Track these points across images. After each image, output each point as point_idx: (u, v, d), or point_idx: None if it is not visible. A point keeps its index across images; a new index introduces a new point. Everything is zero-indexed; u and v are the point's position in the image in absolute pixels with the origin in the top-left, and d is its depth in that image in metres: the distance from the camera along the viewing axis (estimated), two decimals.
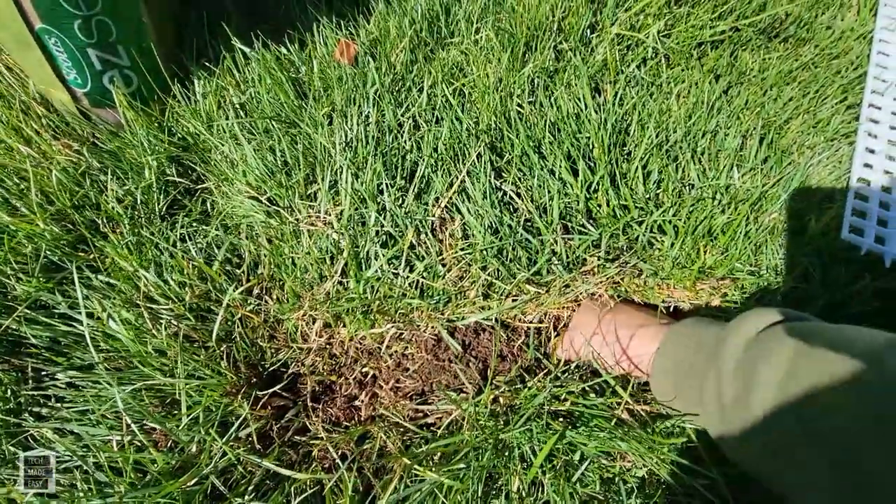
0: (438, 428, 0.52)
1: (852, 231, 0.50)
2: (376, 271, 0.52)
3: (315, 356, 0.55)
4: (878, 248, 0.49)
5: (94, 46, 0.53)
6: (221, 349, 0.52)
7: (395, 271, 0.52)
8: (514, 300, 0.54)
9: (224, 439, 0.46)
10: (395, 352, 0.56)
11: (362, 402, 0.55)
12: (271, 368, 0.55)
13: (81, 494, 0.44)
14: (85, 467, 0.45)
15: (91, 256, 0.55)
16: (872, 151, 0.55)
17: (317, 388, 0.55)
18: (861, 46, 0.64)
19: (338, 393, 0.55)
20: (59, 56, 0.53)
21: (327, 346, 0.56)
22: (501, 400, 0.50)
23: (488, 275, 0.53)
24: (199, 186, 0.61)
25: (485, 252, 0.52)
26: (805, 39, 0.64)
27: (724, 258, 0.51)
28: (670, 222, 0.54)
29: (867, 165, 0.54)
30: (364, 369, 0.56)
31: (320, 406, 0.54)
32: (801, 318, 0.37)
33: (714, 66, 0.62)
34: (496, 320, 0.55)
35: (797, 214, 0.53)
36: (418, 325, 0.54)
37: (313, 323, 0.55)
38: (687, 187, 0.56)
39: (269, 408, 0.52)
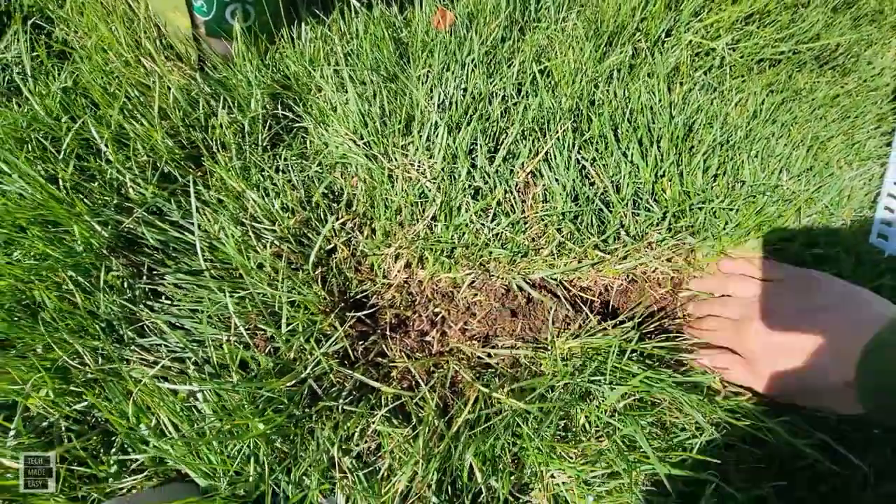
0: (503, 369, 0.58)
1: (879, 237, 0.59)
2: (465, 220, 0.58)
3: (395, 291, 0.60)
4: None
5: None
6: (316, 273, 0.57)
7: (482, 222, 0.58)
8: (579, 262, 0.60)
9: (321, 350, 0.51)
10: (465, 297, 0.61)
11: (433, 337, 0.60)
12: (355, 297, 0.60)
13: (193, 380, 0.48)
14: (195, 358, 0.50)
15: (199, 174, 0.59)
16: None
17: (393, 321, 0.60)
18: None
19: (411, 327, 0.61)
20: None
21: (406, 284, 0.61)
22: (569, 347, 0.56)
23: (563, 236, 0.59)
24: (297, 125, 0.65)
25: (563, 215, 0.59)
26: (850, 70, 0.72)
27: (770, 247, 0.58)
28: (724, 210, 0.61)
29: None
30: (436, 309, 0.61)
31: (397, 336, 0.59)
32: None
33: (771, 82, 0.69)
34: (558, 281, 0.62)
35: (833, 218, 0.61)
36: (492, 275, 0.60)
37: (396, 261, 0.60)
38: (739, 184, 0.63)
39: (354, 331, 0.57)
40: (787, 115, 0.67)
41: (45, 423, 0.44)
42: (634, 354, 0.53)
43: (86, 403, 0.45)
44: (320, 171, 0.61)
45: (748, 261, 0.57)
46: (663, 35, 0.71)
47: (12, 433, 0.42)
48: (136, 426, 0.46)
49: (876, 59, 0.74)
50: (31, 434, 0.43)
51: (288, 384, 0.50)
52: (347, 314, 0.56)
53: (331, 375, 0.53)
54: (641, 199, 0.61)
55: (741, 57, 0.70)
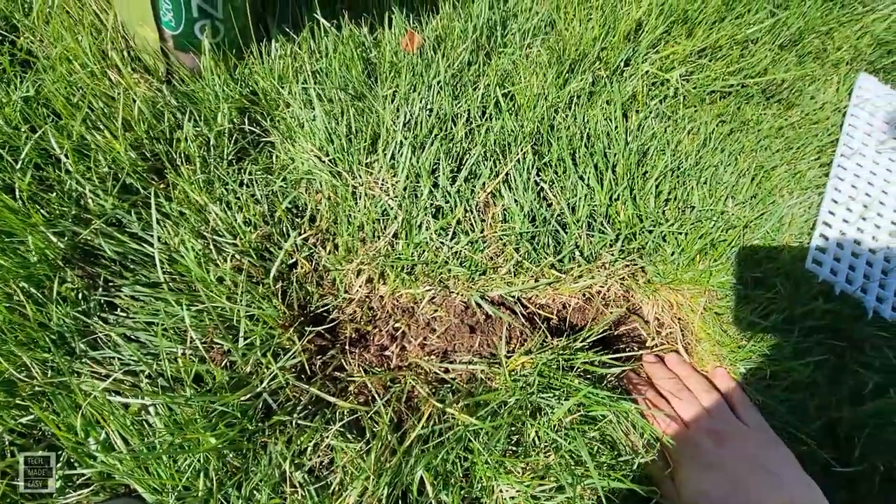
0: (459, 384, 0.59)
1: (814, 263, 0.62)
2: (426, 238, 0.59)
3: (356, 306, 0.61)
4: (831, 279, 0.62)
5: None
6: (276, 287, 0.57)
7: (442, 241, 0.60)
8: (536, 281, 0.63)
9: (278, 364, 0.52)
10: (425, 313, 0.63)
11: (392, 352, 0.61)
12: (316, 311, 0.60)
13: (145, 394, 0.48)
14: (148, 371, 0.50)
15: (161, 186, 0.59)
16: (836, 202, 0.67)
17: (353, 335, 0.61)
18: (836, 117, 0.77)
19: (371, 342, 0.62)
20: None
21: (367, 299, 0.62)
22: (522, 363, 0.58)
23: (520, 256, 0.61)
24: (263, 140, 0.66)
25: (521, 235, 0.61)
26: (794, 104, 0.77)
27: (716, 269, 0.61)
28: (673, 234, 0.64)
29: (831, 213, 0.67)
30: (396, 324, 0.62)
31: (357, 350, 0.60)
32: None
33: (721, 113, 0.73)
34: (516, 298, 0.64)
35: (774, 243, 0.64)
36: (451, 292, 0.62)
37: (357, 276, 0.61)
38: (689, 208, 0.67)
39: (313, 345, 0.58)
40: (735, 144, 0.71)
41: None
42: (581, 371, 0.55)
43: (32, 417, 0.45)
44: (285, 185, 0.62)
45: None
46: (622, 65, 0.75)
47: None
48: (84, 440, 0.46)
49: (818, 95, 0.79)
50: None
51: (242, 398, 0.50)
52: (307, 328, 0.57)
53: (287, 390, 0.53)
54: (596, 221, 0.64)
55: (694, 88, 0.74)
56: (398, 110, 0.66)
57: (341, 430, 0.52)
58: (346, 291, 0.61)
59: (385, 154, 0.63)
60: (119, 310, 0.53)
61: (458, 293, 0.62)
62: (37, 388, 0.46)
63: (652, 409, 0.57)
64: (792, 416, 0.57)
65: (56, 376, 0.47)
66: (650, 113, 0.72)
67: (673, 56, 0.75)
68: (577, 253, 0.62)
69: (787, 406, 0.58)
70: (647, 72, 0.73)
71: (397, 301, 0.62)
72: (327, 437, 0.51)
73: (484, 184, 0.63)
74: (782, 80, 0.78)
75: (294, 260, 0.59)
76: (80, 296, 0.51)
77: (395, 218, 0.60)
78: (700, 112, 0.73)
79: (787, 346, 0.59)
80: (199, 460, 0.47)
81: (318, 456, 0.51)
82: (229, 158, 0.63)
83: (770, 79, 0.76)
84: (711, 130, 0.71)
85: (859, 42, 0.84)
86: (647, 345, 0.68)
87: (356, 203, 0.61)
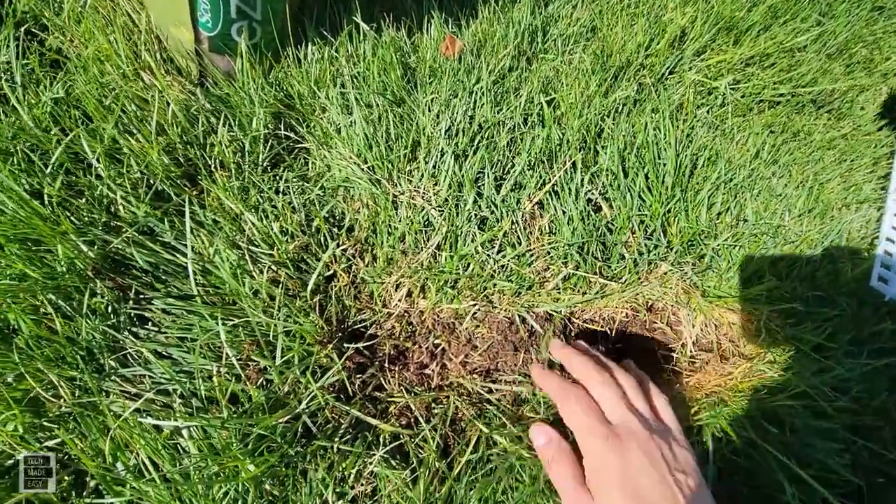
0: (504, 405, 0.56)
1: (880, 280, 0.59)
2: (471, 250, 0.56)
3: (395, 321, 0.58)
4: None
5: None
6: (314, 300, 0.54)
7: (487, 253, 0.57)
8: (583, 295, 0.59)
9: (318, 384, 0.49)
10: (467, 329, 0.59)
11: (433, 371, 0.58)
12: (353, 327, 0.57)
13: (178, 415, 0.45)
14: (181, 391, 0.47)
15: (195, 193, 0.56)
16: None
17: (392, 352, 0.58)
18: (889, 128, 0.74)
19: (410, 359, 0.58)
20: None
21: (406, 314, 0.59)
22: None
23: (569, 269, 0.58)
24: (299, 146, 0.63)
25: (569, 247, 0.58)
26: (845, 114, 0.74)
27: (775, 288, 0.58)
28: (728, 248, 0.61)
29: (894, 228, 0.63)
30: (437, 341, 0.59)
31: (396, 368, 0.57)
32: None
33: (771, 123, 0.70)
34: (563, 315, 0.60)
35: (834, 261, 0.61)
36: (495, 307, 0.58)
37: (396, 290, 0.58)
38: (743, 222, 0.63)
39: (351, 363, 0.55)
40: (788, 155, 0.68)
41: (10, 462, 0.40)
42: None
43: (58, 440, 0.42)
44: (322, 193, 0.59)
45: None
46: (667, 72, 0.72)
47: None
48: (113, 465, 0.42)
49: (868, 105, 0.76)
50: None
51: (281, 420, 0.47)
52: (345, 345, 0.53)
53: (326, 411, 0.50)
54: (647, 232, 0.61)
55: (742, 97, 0.71)
56: (439, 117, 0.63)
57: (385, 455, 0.48)
58: (384, 305, 0.58)
59: (427, 162, 0.60)
60: (150, 324, 0.50)
61: (501, 308, 0.58)
62: (64, 409, 0.42)
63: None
64: (867, 444, 0.53)
65: (84, 396, 0.43)
66: (698, 122, 0.69)
67: (720, 64, 0.72)
68: (628, 265, 0.59)
69: (856, 434, 0.54)
70: (693, 80, 0.71)
71: (438, 316, 0.59)
72: (371, 462, 0.48)
73: (530, 194, 0.60)
74: (832, 90, 0.75)
75: (332, 272, 0.56)
76: (109, 308, 0.48)
77: (439, 229, 0.57)
78: (749, 121, 0.70)
79: (856, 370, 0.55)
80: (235, 489, 0.43)
81: (362, 484, 0.47)
82: (264, 165, 0.60)
83: (820, 89, 0.73)
84: (762, 141, 0.68)
85: None
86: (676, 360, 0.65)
87: (396, 212, 0.58)
